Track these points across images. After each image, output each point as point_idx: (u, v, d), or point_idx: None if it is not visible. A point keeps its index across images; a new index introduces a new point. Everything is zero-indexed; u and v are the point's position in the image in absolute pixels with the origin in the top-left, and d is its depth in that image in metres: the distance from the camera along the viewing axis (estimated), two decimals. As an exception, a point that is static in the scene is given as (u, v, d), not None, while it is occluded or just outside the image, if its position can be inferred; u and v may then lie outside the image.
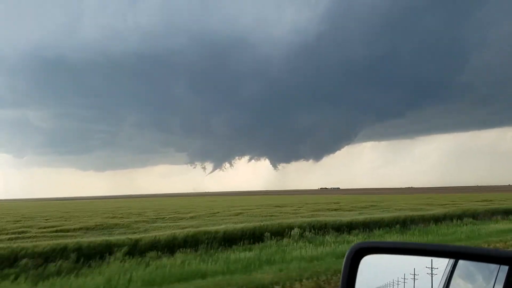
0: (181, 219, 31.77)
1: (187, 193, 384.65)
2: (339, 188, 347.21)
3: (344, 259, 1.98)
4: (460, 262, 1.88)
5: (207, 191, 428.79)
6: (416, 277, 1.91)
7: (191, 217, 32.64)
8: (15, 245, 13.97)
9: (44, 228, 26.05)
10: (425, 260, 1.88)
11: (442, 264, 1.89)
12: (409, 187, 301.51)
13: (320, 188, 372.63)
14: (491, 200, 47.69)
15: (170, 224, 26.97)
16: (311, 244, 15.47)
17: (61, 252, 13.50)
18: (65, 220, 32.31)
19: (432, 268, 1.89)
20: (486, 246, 13.93)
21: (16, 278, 10.50)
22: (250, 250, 15.08)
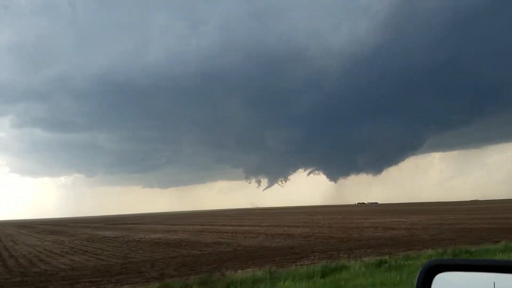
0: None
1: (246, 208, 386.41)
2: (377, 203, 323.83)
3: (417, 277, 1.94)
4: None
5: (263, 206, 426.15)
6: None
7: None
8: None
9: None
10: (507, 278, 1.77)
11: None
12: (473, 200, 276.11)
13: (357, 203, 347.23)
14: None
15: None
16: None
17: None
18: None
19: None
20: None
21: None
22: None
